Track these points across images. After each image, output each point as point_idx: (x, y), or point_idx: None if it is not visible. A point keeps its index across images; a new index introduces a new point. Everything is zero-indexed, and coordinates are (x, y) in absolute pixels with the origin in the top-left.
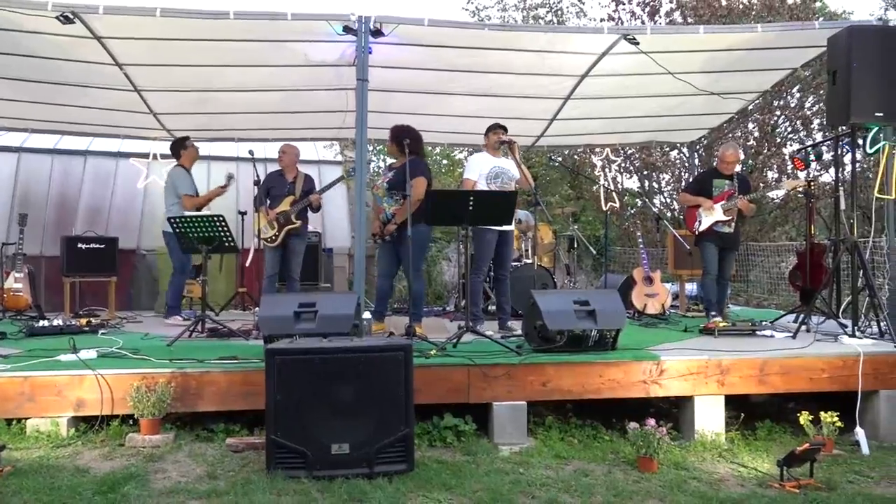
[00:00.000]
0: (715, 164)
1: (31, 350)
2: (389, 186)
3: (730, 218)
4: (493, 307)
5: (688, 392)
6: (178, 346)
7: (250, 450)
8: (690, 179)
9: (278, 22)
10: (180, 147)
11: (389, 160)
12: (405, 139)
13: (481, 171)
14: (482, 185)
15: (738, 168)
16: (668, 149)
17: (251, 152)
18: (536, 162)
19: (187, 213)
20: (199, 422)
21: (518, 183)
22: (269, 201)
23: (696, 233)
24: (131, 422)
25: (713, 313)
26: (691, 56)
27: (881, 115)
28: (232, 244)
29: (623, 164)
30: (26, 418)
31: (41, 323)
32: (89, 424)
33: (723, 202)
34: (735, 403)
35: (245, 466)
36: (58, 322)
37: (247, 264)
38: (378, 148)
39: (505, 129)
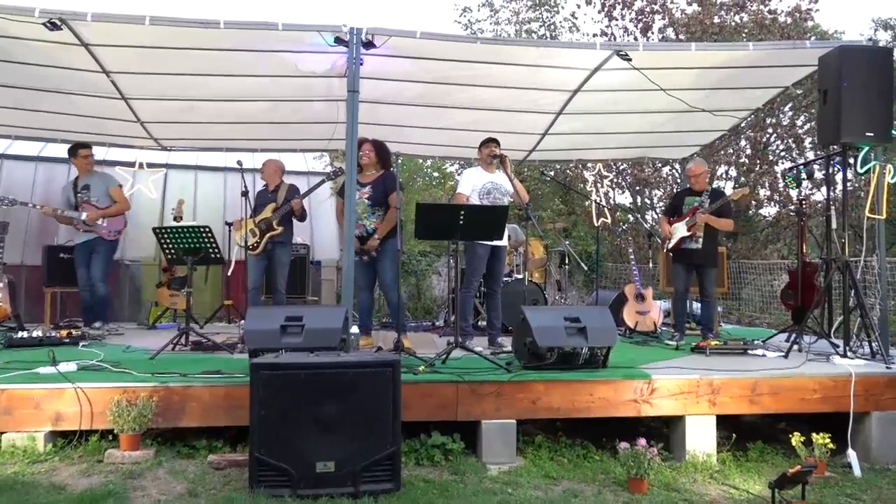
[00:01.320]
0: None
1: (8, 362)
2: (370, 203)
3: (690, 234)
4: (484, 322)
5: (679, 412)
6: (160, 359)
7: (233, 467)
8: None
9: (269, 32)
10: (71, 155)
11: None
12: (389, 155)
13: (474, 185)
14: (475, 201)
15: (710, 181)
16: (660, 165)
17: (239, 163)
18: (528, 176)
19: (173, 224)
20: (180, 438)
21: (512, 197)
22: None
23: (666, 251)
24: (111, 437)
25: (675, 334)
26: (683, 73)
27: (871, 135)
28: (218, 256)
29: (615, 180)
30: (2, 433)
31: (20, 334)
32: (67, 439)
33: (687, 219)
34: (726, 423)
35: (227, 484)
36: (37, 333)
37: (228, 274)
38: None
39: (497, 143)
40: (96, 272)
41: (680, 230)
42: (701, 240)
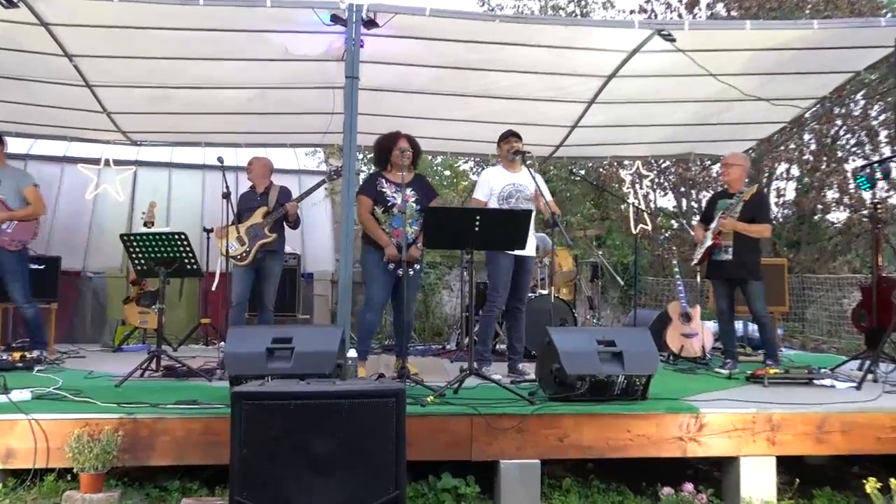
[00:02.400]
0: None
1: None
2: (419, 208)
3: (714, 243)
4: (503, 346)
5: (732, 452)
6: (127, 386)
7: None
8: None
9: (256, 9)
10: None
11: (365, 167)
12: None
13: (492, 189)
14: (494, 206)
15: (745, 182)
16: (708, 162)
17: (220, 159)
18: (555, 175)
19: (143, 230)
20: (150, 478)
21: (535, 200)
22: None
23: (693, 265)
24: (69, 477)
25: (727, 361)
26: (736, 56)
27: None
28: (195, 267)
29: (656, 180)
30: None
31: None
32: (19, 479)
33: (713, 225)
34: (788, 466)
35: None
36: None
37: (213, 288)
38: (369, 156)
39: (519, 138)
40: (14, 294)
41: (707, 239)
42: (731, 249)
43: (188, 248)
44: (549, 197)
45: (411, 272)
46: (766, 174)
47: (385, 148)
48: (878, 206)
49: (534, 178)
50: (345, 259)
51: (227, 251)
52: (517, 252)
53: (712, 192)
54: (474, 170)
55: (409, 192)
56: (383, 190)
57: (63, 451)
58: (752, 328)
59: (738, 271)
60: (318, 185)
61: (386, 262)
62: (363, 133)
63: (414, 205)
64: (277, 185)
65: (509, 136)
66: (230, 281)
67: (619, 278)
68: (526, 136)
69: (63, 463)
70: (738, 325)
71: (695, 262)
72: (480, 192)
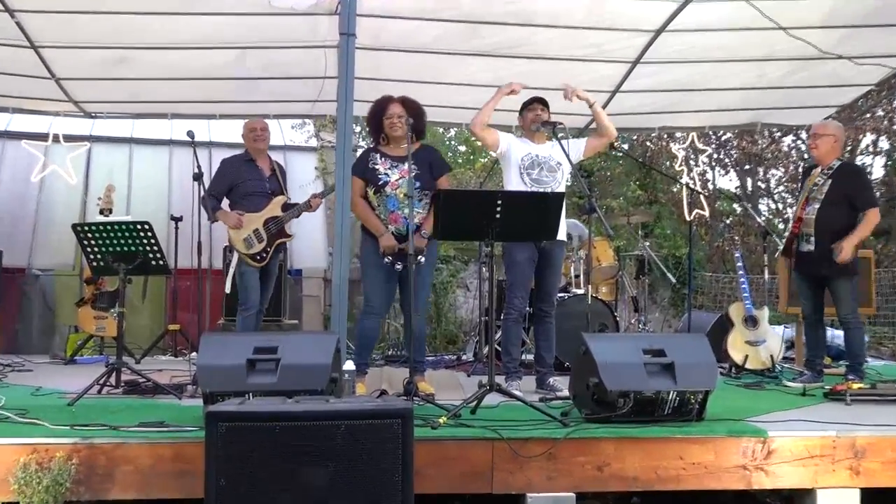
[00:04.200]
0: None
1: None
2: (421, 185)
3: (791, 231)
4: (530, 356)
5: (807, 483)
6: (82, 405)
7: None
8: None
9: None
10: None
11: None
12: (425, 117)
13: (512, 153)
14: (514, 180)
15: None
16: (778, 134)
17: (191, 134)
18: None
19: (99, 219)
20: None
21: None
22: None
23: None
24: None
25: (804, 373)
26: (812, 5)
27: None
28: (161, 263)
29: (715, 156)
30: None
31: None
32: None
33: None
34: (875, 500)
35: None
36: None
37: (227, 290)
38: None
39: (546, 105)
40: None
41: (791, 224)
42: (813, 238)
43: (153, 241)
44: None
45: (422, 260)
46: (849, 148)
47: (376, 116)
48: None
49: (565, 152)
50: (339, 252)
51: (249, 249)
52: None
53: (804, 165)
54: None
55: (406, 166)
56: (375, 167)
57: (7, 482)
58: (833, 333)
59: (821, 266)
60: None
61: (381, 254)
62: (361, 101)
63: (414, 181)
64: (276, 162)
65: (533, 104)
66: (201, 279)
67: (669, 275)
68: (555, 103)
69: (6, 496)
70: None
71: (779, 251)
72: (501, 136)
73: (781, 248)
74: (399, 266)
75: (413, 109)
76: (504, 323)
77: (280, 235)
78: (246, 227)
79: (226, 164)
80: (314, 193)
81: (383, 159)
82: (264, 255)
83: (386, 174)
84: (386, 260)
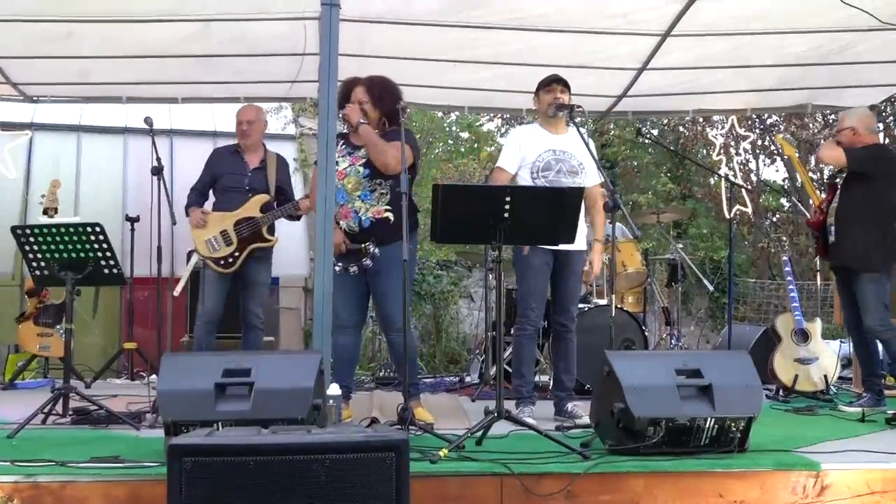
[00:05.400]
0: None
1: None
2: (370, 172)
3: (816, 219)
4: (545, 378)
5: None
6: (24, 437)
7: None
8: None
9: None
10: None
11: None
12: (399, 102)
13: (525, 156)
14: (526, 182)
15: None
16: (832, 117)
17: (148, 121)
18: (616, 138)
19: (43, 220)
20: None
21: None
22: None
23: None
24: None
25: (864, 395)
26: None
27: None
28: (115, 271)
29: (760, 143)
30: None
31: None
32: None
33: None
34: None
35: None
36: None
37: (175, 293)
38: None
39: (565, 86)
40: None
41: (830, 216)
42: (833, 228)
43: (105, 245)
44: (597, 178)
45: (368, 263)
46: (873, 129)
47: (342, 101)
48: None
49: (584, 140)
50: (322, 257)
51: (213, 253)
52: (557, 246)
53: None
54: (502, 130)
55: (360, 153)
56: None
57: None
58: None
59: (842, 257)
60: None
61: (334, 261)
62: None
63: (361, 169)
64: (273, 154)
65: (552, 84)
66: (162, 289)
67: (706, 281)
68: (575, 83)
69: None
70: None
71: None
72: (507, 160)
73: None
74: (353, 269)
75: (378, 91)
76: (516, 339)
77: (255, 239)
78: (211, 228)
79: (213, 155)
80: (301, 199)
81: (345, 147)
82: (231, 260)
83: (336, 163)
84: (338, 265)
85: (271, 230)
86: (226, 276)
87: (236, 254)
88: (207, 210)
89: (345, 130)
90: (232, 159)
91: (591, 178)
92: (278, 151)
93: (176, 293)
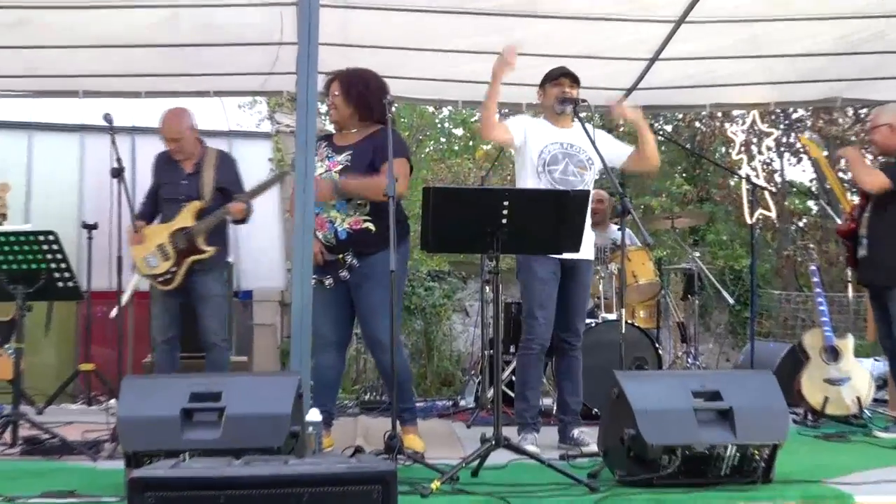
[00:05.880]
0: None
1: None
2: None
3: (846, 228)
4: (548, 401)
5: None
6: None
7: None
8: None
9: None
10: None
11: (329, 127)
12: (383, 96)
13: (530, 144)
14: (530, 182)
15: None
16: (864, 111)
17: (108, 118)
18: (625, 134)
19: None
20: None
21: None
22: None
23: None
24: None
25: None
26: None
27: None
28: (70, 284)
29: (784, 140)
30: None
31: None
32: None
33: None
34: None
35: None
36: None
37: (113, 314)
38: None
39: (575, 81)
40: None
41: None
42: (866, 241)
43: (59, 256)
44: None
45: (345, 275)
46: None
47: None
48: None
49: (590, 137)
50: (300, 268)
51: (150, 270)
52: (564, 255)
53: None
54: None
55: (340, 158)
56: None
57: None
58: None
59: (873, 273)
60: (277, 178)
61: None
62: (327, 73)
63: (336, 176)
64: (214, 152)
65: (560, 78)
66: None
67: (726, 293)
68: (580, 75)
69: None
70: None
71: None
72: (513, 124)
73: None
74: (328, 282)
75: (355, 85)
76: (521, 358)
77: (191, 252)
78: (149, 242)
79: (155, 161)
80: (239, 197)
81: (326, 149)
82: (169, 276)
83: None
84: (313, 278)
85: (215, 239)
86: (172, 295)
87: (174, 269)
88: (142, 224)
89: (332, 130)
90: (168, 167)
91: (597, 170)
92: (252, 151)
93: (113, 315)
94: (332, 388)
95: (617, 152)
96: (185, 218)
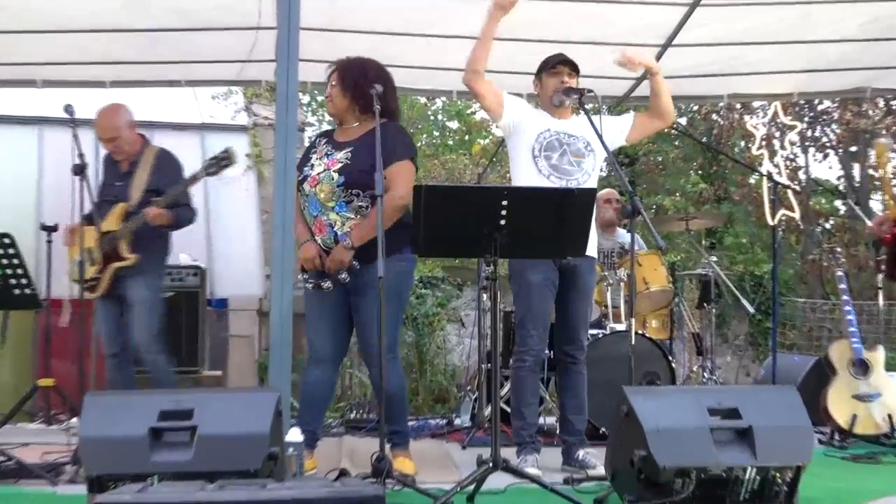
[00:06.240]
0: None
1: None
2: (345, 180)
3: (886, 234)
4: (550, 419)
5: None
6: None
7: None
8: None
9: None
10: None
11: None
12: (377, 86)
13: (524, 127)
14: (527, 169)
15: None
16: (894, 102)
17: (69, 110)
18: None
19: None
20: None
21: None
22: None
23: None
24: None
25: None
26: None
27: None
28: (27, 291)
29: (809, 134)
30: None
31: None
32: None
33: None
34: None
35: None
36: None
37: (62, 323)
38: (323, 100)
39: (574, 69)
40: None
41: None
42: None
43: (16, 261)
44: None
45: (344, 277)
46: None
47: None
48: None
49: (598, 132)
50: (280, 274)
51: (80, 275)
52: (563, 259)
53: None
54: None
55: (340, 155)
56: (310, 156)
57: None
58: None
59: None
60: (211, 168)
61: (305, 277)
62: (310, 62)
63: (336, 175)
64: (153, 150)
65: (558, 66)
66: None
67: (746, 302)
68: (586, 62)
69: None
70: None
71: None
72: (506, 99)
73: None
74: (326, 285)
75: (351, 74)
76: (515, 373)
77: (113, 257)
78: (82, 245)
79: (103, 160)
80: (154, 201)
81: (326, 146)
82: (94, 282)
83: (311, 166)
84: (303, 277)
85: (142, 244)
86: (107, 302)
87: (98, 275)
88: (76, 224)
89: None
90: (108, 167)
91: (597, 160)
92: (227, 144)
93: (63, 324)
94: (321, 406)
95: (619, 127)
96: (111, 222)
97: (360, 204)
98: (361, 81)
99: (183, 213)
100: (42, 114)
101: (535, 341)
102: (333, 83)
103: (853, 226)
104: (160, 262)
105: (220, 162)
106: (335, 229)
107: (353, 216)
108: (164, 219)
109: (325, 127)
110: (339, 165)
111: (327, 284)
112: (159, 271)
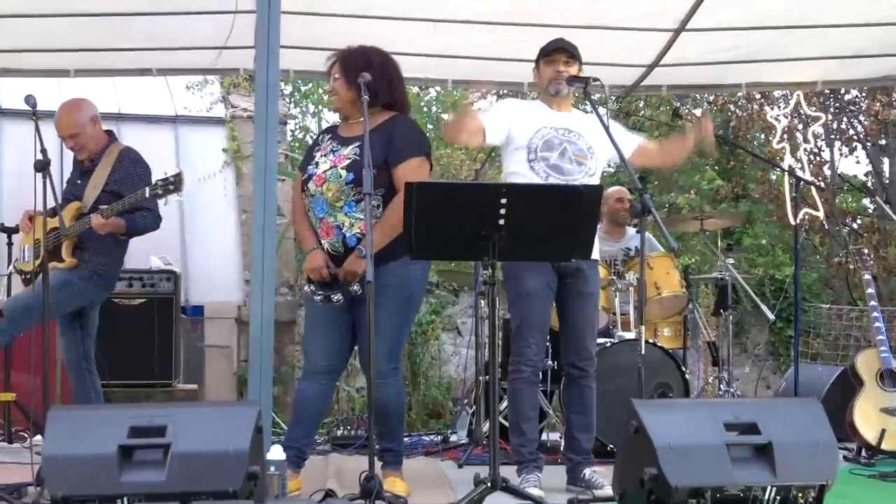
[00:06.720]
0: None
1: None
2: (354, 177)
3: None
4: (554, 436)
5: None
6: None
7: None
8: None
9: None
10: None
11: (334, 117)
12: (390, 77)
13: (514, 134)
14: (521, 168)
15: None
16: None
17: (31, 101)
18: (646, 119)
19: None
20: None
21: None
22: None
23: None
24: None
25: None
26: None
27: None
28: None
29: (835, 126)
30: None
31: None
32: None
33: None
34: None
35: None
36: None
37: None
38: (307, 90)
39: (573, 56)
40: None
41: None
42: None
43: None
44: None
45: (356, 289)
46: None
47: None
48: None
49: (604, 124)
50: (261, 280)
51: (18, 265)
52: (563, 261)
53: None
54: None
55: (346, 151)
56: (314, 153)
57: None
58: None
59: None
60: (162, 188)
61: (312, 289)
62: (294, 48)
63: (344, 173)
64: (117, 148)
65: (553, 53)
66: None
67: (766, 308)
68: (591, 49)
69: None
70: None
71: None
72: (491, 126)
73: None
74: (336, 298)
75: (355, 63)
76: (511, 385)
77: (54, 256)
78: (34, 235)
79: (73, 158)
80: (99, 211)
81: (331, 142)
82: (29, 277)
83: (316, 164)
84: (310, 289)
85: (96, 247)
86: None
87: (37, 270)
88: (34, 212)
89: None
90: (74, 164)
91: (600, 160)
92: (201, 140)
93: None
94: (312, 422)
95: (628, 143)
96: (65, 215)
97: (371, 203)
98: (366, 71)
99: (140, 219)
100: (1, 106)
101: (533, 351)
102: (336, 76)
103: (882, 226)
104: (110, 269)
105: (168, 185)
106: (343, 231)
107: (362, 217)
108: (112, 227)
109: (308, 119)
110: (348, 162)
111: (338, 297)
112: (105, 277)
